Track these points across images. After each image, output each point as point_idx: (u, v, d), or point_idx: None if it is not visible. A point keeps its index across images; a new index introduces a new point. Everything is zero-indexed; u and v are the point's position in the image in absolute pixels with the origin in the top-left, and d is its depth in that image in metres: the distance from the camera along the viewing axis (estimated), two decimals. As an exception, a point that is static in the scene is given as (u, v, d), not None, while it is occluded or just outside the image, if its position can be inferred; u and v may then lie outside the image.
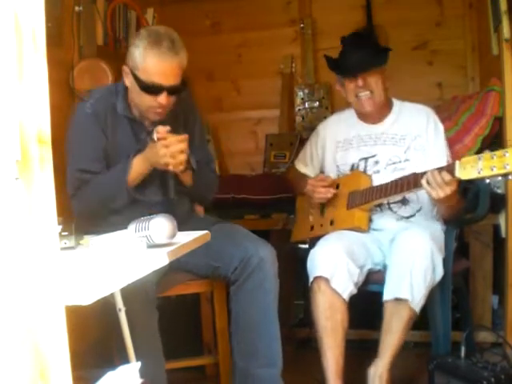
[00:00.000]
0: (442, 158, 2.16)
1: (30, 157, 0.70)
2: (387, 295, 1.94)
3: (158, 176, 1.93)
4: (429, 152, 2.19)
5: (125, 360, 1.67)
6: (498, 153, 1.67)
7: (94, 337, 2.31)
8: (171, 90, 1.83)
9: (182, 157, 1.81)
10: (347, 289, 1.96)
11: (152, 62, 1.79)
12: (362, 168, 2.25)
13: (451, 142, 2.37)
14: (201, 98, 3.61)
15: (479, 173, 1.71)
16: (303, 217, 2.39)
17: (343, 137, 2.32)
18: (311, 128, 2.76)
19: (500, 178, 1.70)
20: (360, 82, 2.15)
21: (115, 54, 2.77)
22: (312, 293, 2.00)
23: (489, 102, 2.48)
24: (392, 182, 2.06)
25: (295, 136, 3.38)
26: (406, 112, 2.27)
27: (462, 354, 1.95)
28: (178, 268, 1.96)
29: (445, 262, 2.02)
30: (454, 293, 2.16)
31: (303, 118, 3.51)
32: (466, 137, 2.50)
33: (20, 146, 0.69)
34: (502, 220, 2.42)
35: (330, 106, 3.48)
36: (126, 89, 1.95)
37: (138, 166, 1.87)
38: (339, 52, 2.26)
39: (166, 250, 1.22)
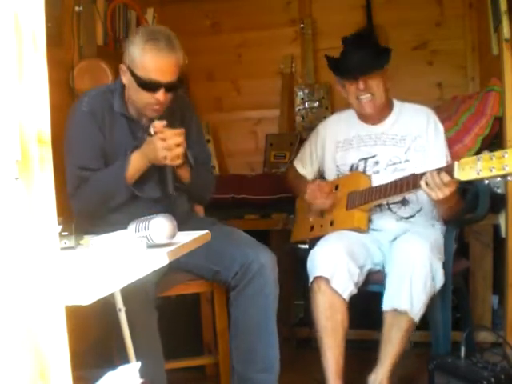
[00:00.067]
0: (441, 158, 2.16)
1: (30, 157, 0.70)
2: (386, 305, 1.93)
3: (156, 172, 1.94)
4: (428, 153, 2.19)
5: (125, 360, 1.67)
6: (497, 154, 1.66)
7: (93, 337, 2.31)
8: (168, 87, 1.84)
9: (179, 150, 1.83)
10: (347, 289, 1.96)
11: (150, 58, 1.80)
12: (361, 168, 2.25)
13: (451, 142, 2.37)
14: (201, 98, 3.63)
15: (478, 174, 1.71)
16: (303, 217, 2.39)
17: (343, 137, 2.32)
18: (311, 128, 2.75)
19: (499, 179, 1.70)
20: (361, 85, 2.15)
21: (115, 53, 2.76)
22: (312, 293, 2.00)
23: (489, 102, 2.48)
24: (391, 182, 2.06)
25: (295, 136, 3.38)
26: (407, 113, 2.27)
27: (462, 353, 1.95)
28: (177, 268, 1.97)
29: (445, 262, 2.02)
30: (454, 293, 2.15)
31: (303, 118, 3.51)
32: (466, 137, 2.50)
33: (20, 146, 0.69)
34: (502, 220, 2.42)
35: (330, 105, 3.48)
36: (122, 87, 1.95)
37: (135, 162, 1.88)
38: (340, 53, 2.25)
39: (165, 250, 1.22)
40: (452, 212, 2.08)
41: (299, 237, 2.41)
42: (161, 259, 1.19)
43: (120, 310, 1.68)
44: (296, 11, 3.60)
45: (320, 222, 2.29)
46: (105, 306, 1.61)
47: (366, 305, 2.14)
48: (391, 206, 2.20)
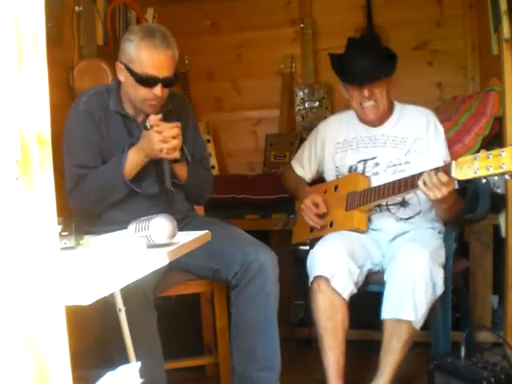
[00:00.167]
0: (441, 160, 2.15)
1: (30, 157, 0.70)
2: (387, 314, 1.92)
3: (153, 168, 1.96)
4: (428, 154, 2.19)
5: (125, 360, 1.67)
6: (494, 152, 1.66)
7: (93, 337, 2.31)
8: (165, 82, 1.87)
9: (175, 142, 1.85)
10: (347, 288, 1.96)
11: (146, 54, 1.83)
12: (360, 170, 2.25)
13: (451, 142, 2.37)
14: (201, 98, 3.63)
15: (475, 173, 1.70)
16: (303, 218, 2.39)
17: (343, 138, 2.32)
18: (311, 128, 2.75)
19: (496, 177, 1.69)
20: (366, 93, 2.14)
21: (115, 54, 2.74)
22: (312, 292, 2.00)
23: (489, 102, 2.48)
24: (389, 183, 2.06)
25: (295, 136, 3.38)
26: (407, 114, 2.27)
27: (462, 354, 1.95)
28: (177, 268, 1.97)
29: (445, 262, 2.02)
30: (454, 293, 2.15)
31: (303, 118, 3.51)
32: (466, 137, 2.50)
33: (20, 146, 0.69)
34: (502, 220, 2.42)
35: (330, 106, 3.48)
36: (118, 87, 1.98)
37: (132, 158, 1.89)
38: (344, 53, 2.22)
39: (165, 250, 1.23)
40: (451, 213, 2.08)
41: (299, 238, 2.41)
42: (161, 259, 1.19)
43: (120, 310, 1.68)
44: (296, 11, 3.60)
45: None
46: (105, 306, 1.61)
47: (366, 305, 2.14)
48: (390, 207, 2.20)
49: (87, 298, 0.87)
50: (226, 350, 2.08)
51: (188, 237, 1.43)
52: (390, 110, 2.27)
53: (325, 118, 2.79)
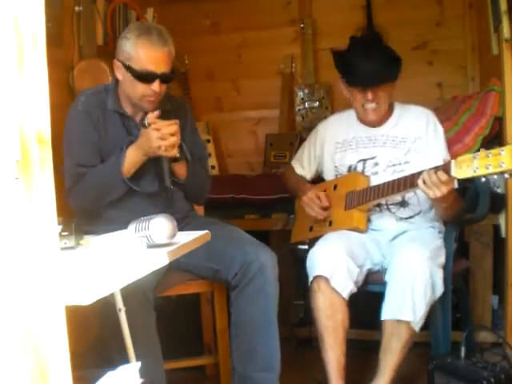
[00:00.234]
0: (440, 160, 2.14)
1: (30, 157, 0.70)
2: (387, 315, 1.92)
3: (152, 167, 1.96)
4: (428, 154, 2.19)
5: (125, 360, 1.67)
6: (494, 151, 1.66)
7: (93, 337, 2.31)
8: (163, 78, 1.88)
9: (174, 139, 1.85)
10: (347, 287, 1.96)
11: (144, 51, 1.85)
12: (359, 169, 2.24)
13: (451, 142, 2.37)
14: (201, 98, 3.63)
15: (475, 171, 1.70)
16: (302, 218, 2.39)
17: (342, 138, 2.32)
18: (311, 128, 2.75)
19: (496, 176, 1.69)
20: (370, 96, 2.13)
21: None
22: (312, 292, 2.00)
23: (489, 102, 2.48)
24: (389, 182, 2.06)
25: (295, 136, 3.38)
26: (407, 114, 2.27)
27: (462, 354, 1.95)
28: (177, 268, 1.97)
29: (445, 262, 2.02)
30: (454, 293, 2.15)
31: (303, 118, 3.51)
32: (466, 137, 2.50)
33: (20, 146, 0.69)
34: (502, 220, 2.42)
35: (330, 106, 3.48)
36: (116, 86, 1.99)
37: (131, 156, 1.90)
38: (347, 54, 2.20)
39: (165, 250, 1.22)
40: (451, 211, 2.08)
41: (299, 237, 2.41)
42: (161, 259, 1.19)
43: (120, 310, 1.69)
44: (296, 11, 3.60)
45: (319, 222, 2.29)
46: (105, 306, 1.61)
47: (366, 305, 2.14)
48: (390, 206, 2.20)
49: (87, 297, 0.87)
50: (226, 350, 2.08)
51: (188, 237, 1.43)
52: (389, 111, 2.27)
53: (325, 117, 2.79)
